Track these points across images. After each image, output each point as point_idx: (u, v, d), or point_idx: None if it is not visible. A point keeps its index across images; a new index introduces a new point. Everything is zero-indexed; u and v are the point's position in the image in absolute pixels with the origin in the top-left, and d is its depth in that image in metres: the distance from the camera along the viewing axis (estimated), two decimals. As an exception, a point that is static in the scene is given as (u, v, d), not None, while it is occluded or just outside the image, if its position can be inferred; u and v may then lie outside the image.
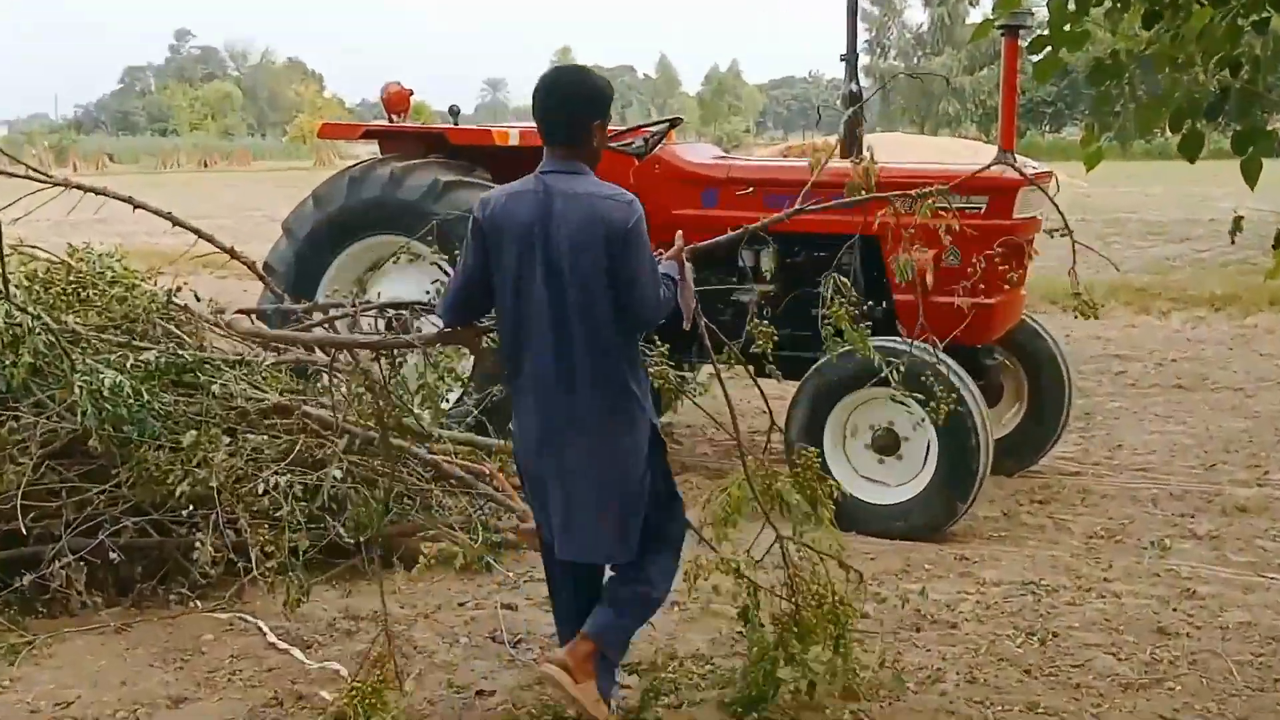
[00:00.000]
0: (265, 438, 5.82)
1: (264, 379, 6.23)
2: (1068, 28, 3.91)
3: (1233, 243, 4.71)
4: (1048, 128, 78.23)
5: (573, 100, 4.11)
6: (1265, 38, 4.39)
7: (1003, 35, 6.69)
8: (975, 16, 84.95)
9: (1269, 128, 4.17)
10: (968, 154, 33.97)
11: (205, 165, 69.48)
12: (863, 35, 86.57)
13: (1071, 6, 3.95)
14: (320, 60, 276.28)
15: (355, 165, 8.05)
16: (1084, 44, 3.94)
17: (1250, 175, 4.07)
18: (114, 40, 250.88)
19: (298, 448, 5.76)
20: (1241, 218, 4.50)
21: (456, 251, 5.94)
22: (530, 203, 4.07)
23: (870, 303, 7.23)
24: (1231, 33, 4.06)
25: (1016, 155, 6.98)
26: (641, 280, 4.06)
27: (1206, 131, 4.22)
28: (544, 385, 4.14)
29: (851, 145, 7.26)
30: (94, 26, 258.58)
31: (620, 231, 4.01)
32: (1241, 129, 4.11)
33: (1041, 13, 4.69)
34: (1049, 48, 4.05)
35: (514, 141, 7.79)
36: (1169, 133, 4.10)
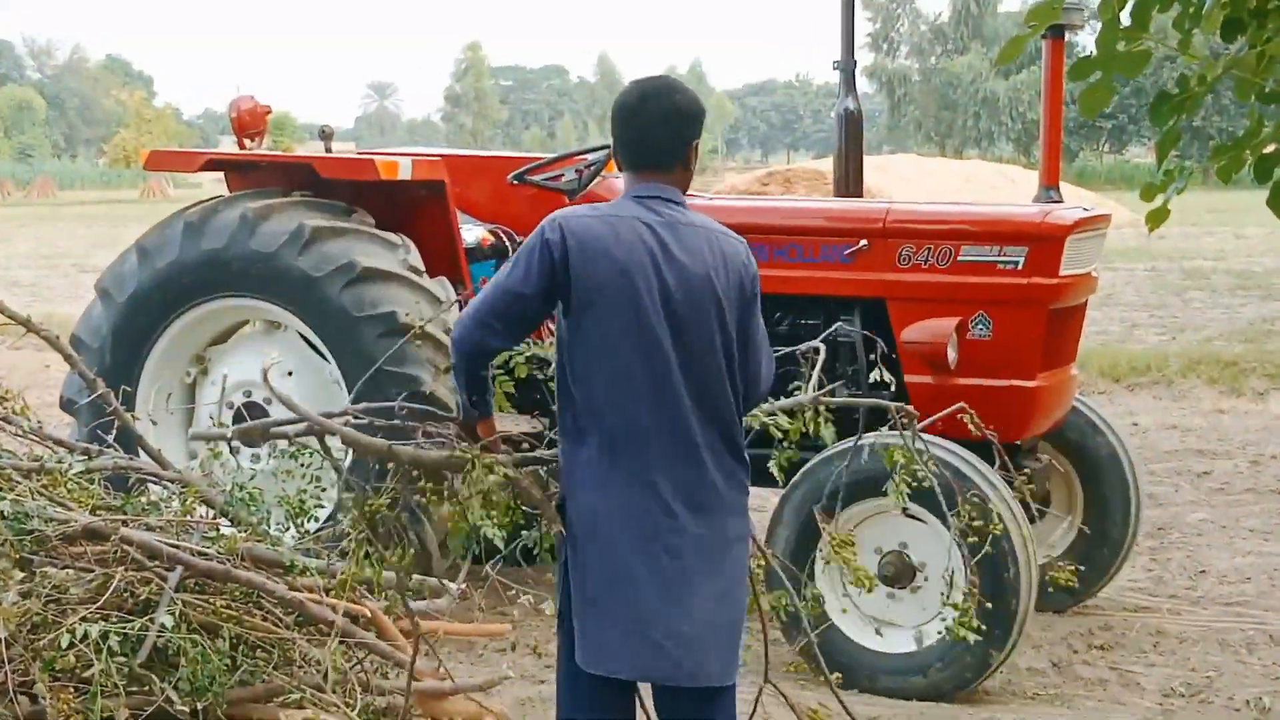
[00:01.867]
0: (72, 571, 5.75)
1: (70, 493, 6.17)
2: (1122, 46, 3.92)
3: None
4: (1107, 147, 79.51)
5: (671, 119, 4.41)
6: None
7: (1045, 38, 6.81)
8: (1009, 4, 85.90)
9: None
10: (1002, 183, 34.45)
11: (-5, 196, 69.21)
12: (866, 28, 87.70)
13: (1126, 20, 3.95)
14: (149, 59, 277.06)
15: (193, 206, 8.01)
16: (1142, 67, 3.96)
17: None
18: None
19: (115, 584, 5.69)
20: None
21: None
22: (632, 232, 4.27)
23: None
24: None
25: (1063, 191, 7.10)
26: (762, 340, 4.48)
27: None
28: (641, 454, 4.23)
29: (849, 173, 7.35)
30: None
31: (751, 276, 4.40)
32: None
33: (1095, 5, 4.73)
34: (1099, 72, 4.06)
35: (405, 175, 7.78)
36: (1254, 180, 4.12)
